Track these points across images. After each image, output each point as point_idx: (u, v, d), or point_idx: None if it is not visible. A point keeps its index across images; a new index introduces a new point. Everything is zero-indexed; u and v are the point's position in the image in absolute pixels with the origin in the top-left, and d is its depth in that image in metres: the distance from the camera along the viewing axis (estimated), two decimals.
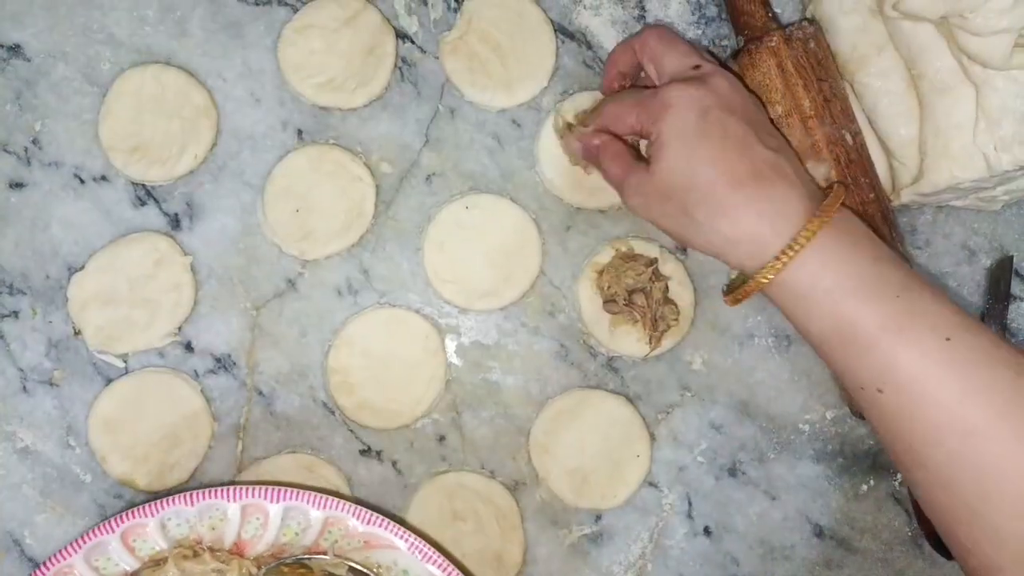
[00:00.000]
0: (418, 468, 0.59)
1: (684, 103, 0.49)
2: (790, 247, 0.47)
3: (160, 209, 0.60)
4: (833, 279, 0.47)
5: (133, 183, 0.60)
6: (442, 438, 0.60)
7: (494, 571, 0.58)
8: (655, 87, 0.53)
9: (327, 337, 0.59)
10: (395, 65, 0.60)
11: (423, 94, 0.61)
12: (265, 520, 0.54)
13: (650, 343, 0.59)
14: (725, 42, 0.61)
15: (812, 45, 0.55)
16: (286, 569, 0.54)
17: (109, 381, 0.59)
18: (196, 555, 0.54)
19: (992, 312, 0.59)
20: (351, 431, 0.59)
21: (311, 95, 0.60)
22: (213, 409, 0.59)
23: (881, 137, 0.57)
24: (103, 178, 0.60)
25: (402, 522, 0.56)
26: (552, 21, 0.60)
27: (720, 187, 0.48)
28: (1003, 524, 0.44)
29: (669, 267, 0.59)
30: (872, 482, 0.60)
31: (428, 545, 0.54)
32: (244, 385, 0.59)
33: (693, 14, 0.61)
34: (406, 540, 0.54)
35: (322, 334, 0.59)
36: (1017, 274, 0.61)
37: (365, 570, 0.54)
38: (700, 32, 0.61)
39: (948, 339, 0.45)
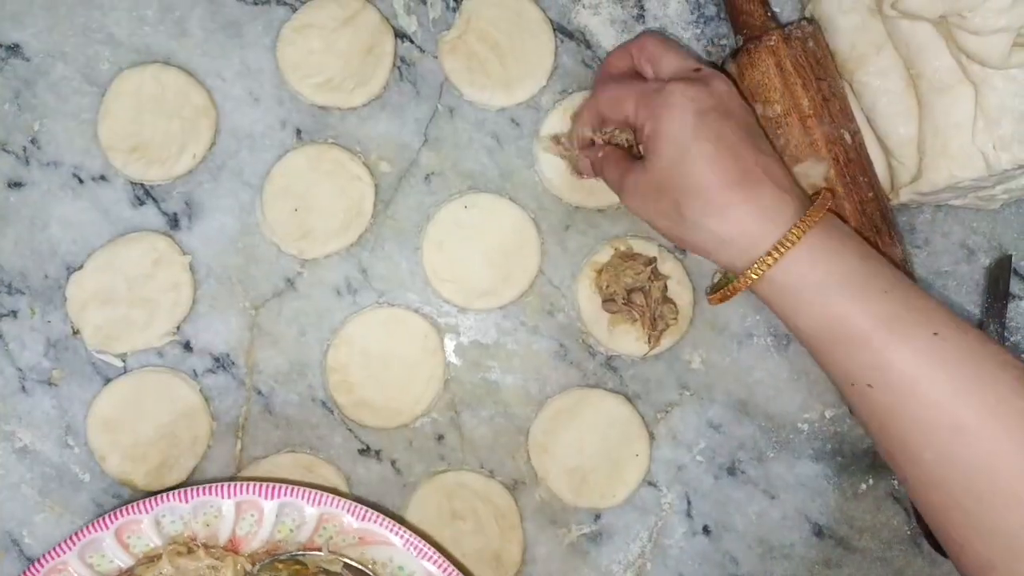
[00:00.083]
0: (417, 467, 0.59)
1: (685, 103, 0.50)
2: (779, 245, 0.48)
3: (159, 209, 0.60)
4: (822, 276, 0.47)
5: (132, 183, 0.60)
6: (441, 437, 0.60)
7: (493, 570, 0.58)
8: (656, 80, 0.53)
9: (326, 336, 0.59)
10: (394, 64, 0.60)
11: (422, 93, 0.61)
12: (260, 516, 0.54)
13: (649, 342, 0.59)
14: (724, 41, 0.61)
15: (811, 44, 0.55)
16: (281, 566, 0.54)
17: (108, 380, 0.59)
18: (191, 552, 0.54)
19: (991, 311, 0.59)
20: (350, 430, 0.59)
21: (310, 94, 0.60)
22: (212, 408, 0.59)
23: (880, 136, 0.57)
24: (102, 178, 0.60)
25: (399, 519, 0.56)
26: (551, 20, 0.60)
27: (712, 187, 0.49)
28: (994, 521, 0.44)
29: (668, 266, 0.59)
30: (871, 481, 0.60)
31: (423, 541, 0.54)
32: (243, 384, 0.59)
33: (692, 13, 0.61)
34: (401, 536, 0.54)
35: (321, 333, 0.59)
36: (1016, 273, 0.61)
37: (360, 566, 0.54)
38: (699, 31, 0.61)
39: (937, 335, 0.45)
